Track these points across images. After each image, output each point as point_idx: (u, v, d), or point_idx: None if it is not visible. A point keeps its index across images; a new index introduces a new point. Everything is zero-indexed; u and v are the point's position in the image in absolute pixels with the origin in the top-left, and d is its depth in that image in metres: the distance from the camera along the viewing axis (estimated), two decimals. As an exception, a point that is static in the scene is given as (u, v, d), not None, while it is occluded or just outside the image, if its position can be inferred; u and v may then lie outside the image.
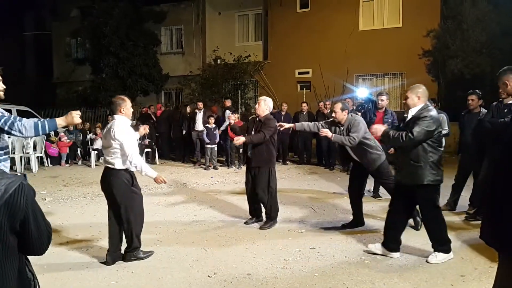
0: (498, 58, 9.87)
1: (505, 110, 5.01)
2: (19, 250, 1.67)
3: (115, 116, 4.02)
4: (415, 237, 4.77)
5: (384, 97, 6.35)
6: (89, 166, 11.07)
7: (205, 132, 10.43)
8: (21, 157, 10.30)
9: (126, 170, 3.97)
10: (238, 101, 15.29)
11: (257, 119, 5.35)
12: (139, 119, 12.78)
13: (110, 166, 3.94)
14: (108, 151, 3.96)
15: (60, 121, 3.06)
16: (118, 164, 3.92)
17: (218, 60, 16.28)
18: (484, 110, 5.67)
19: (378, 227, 5.19)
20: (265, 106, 5.30)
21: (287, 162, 11.05)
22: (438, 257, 4.01)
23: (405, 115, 4.09)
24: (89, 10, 17.66)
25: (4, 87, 3.02)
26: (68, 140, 11.53)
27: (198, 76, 16.76)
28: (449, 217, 5.62)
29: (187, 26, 17.96)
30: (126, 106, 4.02)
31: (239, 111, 13.23)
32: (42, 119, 2.96)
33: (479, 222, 4.97)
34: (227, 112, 11.08)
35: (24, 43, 24.67)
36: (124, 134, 3.91)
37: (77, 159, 11.82)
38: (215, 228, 5.26)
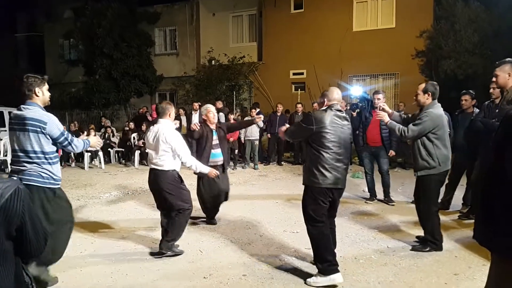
0: (490, 58, 9.93)
1: (497, 110, 5.06)
2: (16, 254, 1.66)
3: (162, 120, 4.26)
4: (410, 237, 4.80)
5: (380, 96, 5.99)
6: (83, 168, 11.01)
7: (199, 133, 10.41)
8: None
9: (174, 170, 4.21)
10: (233, 102, 15.30)
11: (218, 126, 5.56)
12: (133, 120, 12.74)
13: (159, 168, 4.16)
14: (156, 154, 4.16)
15: (91, 142, 3.82)
16: (167, 166, 4.16)
17: (213, 61, 16.27)
18: (477, 110, 5.72)
19: (374, 227, 5.22)
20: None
21: (282, 162, 11.06)
22: (313, 280, 3.57)
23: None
24: (82, 11, 17.56)
25: (50, 94, 3.51)
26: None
27: (193, 77, 16.74)
28: (443, 217, 5.66)
29: (181, 27, 17.93)
30: (173, 111, 4.35)
31: (234, 111, 13.21)
32: (84, 139, 3.71)
33: (472, 221, 5.04)
34: (220, 114, 11.09)
35: (16, 44, 24.49)
36: (175, 137, 4.17)
37: (70, 161, 11.75)
38: (210, 230, 5.25)
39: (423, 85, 4.32)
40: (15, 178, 3.17)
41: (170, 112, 4.28)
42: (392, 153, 6.44)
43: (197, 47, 17.61)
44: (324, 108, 3.73)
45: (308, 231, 3.69)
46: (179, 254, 4.28)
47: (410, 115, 4.84)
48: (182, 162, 4.25)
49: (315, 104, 10.77)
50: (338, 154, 3.59)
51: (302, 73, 15.40)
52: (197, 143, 5.41)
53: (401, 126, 4.38)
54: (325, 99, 3.75)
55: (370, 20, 14.42)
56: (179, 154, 4.18)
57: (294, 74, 15.63)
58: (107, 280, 3.76)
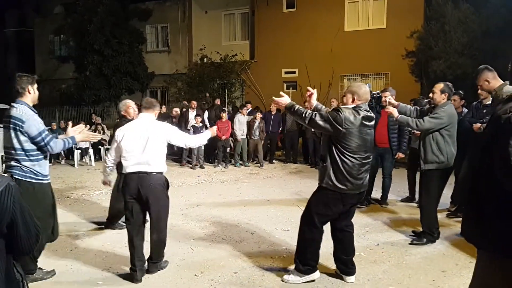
0: (479, 59, 10.04)
1: (484, 111, 5.15)
2: (7, 251, 1.65)
3: (146, 114, 3.73)
4: (399, 235, 4.87)
5: (387, 93, 5.60)
6: (73, 165, 10.93)
7: (191, 131, 10.41)
8: (2, 156, 10.10)
9: (162, 173, 3.68)
10: (224, 100, 15.31)
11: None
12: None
13: (146, 170, 3.57)
14: (142, 154, 3.57)
15: (78, 138, 3.67)
16: (156, 167, 3.62)
17: (205, 59, 16.23)
18: (466, 110, 5.81)
19: (364, 225, 5.28)
20: None
21: (273, 161, 11.11)
22: (292, 278, 3.57)
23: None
24: (73, 6, 17.37)
25: (37, 92, 3.59)
26: (51, 139, 11.35)
27: (185, 74, 16.69)
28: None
29: (173, 24, 17.84)
30: (158, 112, 3.89)
31: (226, 110, 13.25)
32: (65, 138, 3.60)
33: (460, 219, 5.13)
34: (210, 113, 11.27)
35: (5, 40, 24.16)
36: (169, 129, 3.76)
37: (60, 158, 11.65)
38: (202, 227, 5.27)
39: (441, 85, 4.44)
40: (5, 175, 3.18)
41: (156, 111, 3.82)
42: (400, 155, 6.11)
43: (189, 45, 17.56)
44: (353, 106, 3.38)
45: (301, 231, 3.55)
46: (167, 265, 3.94)
47: (419, 108, 5.00)
48: (190, 148, 3.96)
49: (307, 103, 10.82)
50: (364, 158, 3.37)
51: (294, 72, 15.45)
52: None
53: (413, 118, 4.50)
54: (355, 97, 3.39)
55: (361, 20, 14.51)
56: (181, 143, 3.81)
57: (286, 73, 15.68)
58: (97, 276, 3.76)
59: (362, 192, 3.53)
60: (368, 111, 3.42)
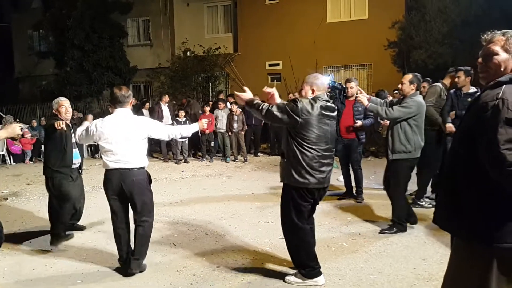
0: (459, 48, 10.18)
1: (467, 99, 5.21)
2: None
3: (121, 110, 3.62)
4: (381, 224, 4.91)
5: (352, 84, 5.78)
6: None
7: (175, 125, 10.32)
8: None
9: (144, 168, 3.67)
10: (209, 94, 15.21)
11: (74, 123, 5.24)
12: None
13: (128, 166, 3.53)
14: (124, 149, 3.53)
15: (2, 133, 3.25)
16: (138, 162, 3.59)
17: (188, 52, 16.05)
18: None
19: (346, 215, 5.32)
20: None
21: (259, 153, 11.10)
22: (293, 279, 3.43)
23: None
24: (51, 1, 16.98)
25: None
26: (31, 137, 11.16)
27: (168, 68, 16.48)
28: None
29: (154, 17, 17.58)
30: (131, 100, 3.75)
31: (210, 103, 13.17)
32: None
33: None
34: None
35: (-18, 35, 23.50)
36: (148, 122, 3.76)
37: (41, 156, 11.44)
38: (185, 223, 5.23)
39: (410, 76, 4.50)
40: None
41: (131, 101, 3.73)
42: (358, 122, 5.80)
43: (172, 38, 17.33)
44: (312, 97, 3.34)
45: (287, 239, 3.43)
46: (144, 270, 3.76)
47: (393, 101, 5.13)
48: (171, 139, 3.89)
49: (291, 95, 10.86)
50: (325, 150, 3.28)
51: (278, 64, 15.41)
52: (51, 142, 4.49)
53: (383, 107, 4.58)
54: (314, 88, 3.36)
55: (343, 11, 14.52)
56: (164, 135, 3.76)
57: (270, 65, 15.63)
58: (78, 277, 3.70)
59: (326, 187, 3.43)
60: (327, 101, 3.36)
